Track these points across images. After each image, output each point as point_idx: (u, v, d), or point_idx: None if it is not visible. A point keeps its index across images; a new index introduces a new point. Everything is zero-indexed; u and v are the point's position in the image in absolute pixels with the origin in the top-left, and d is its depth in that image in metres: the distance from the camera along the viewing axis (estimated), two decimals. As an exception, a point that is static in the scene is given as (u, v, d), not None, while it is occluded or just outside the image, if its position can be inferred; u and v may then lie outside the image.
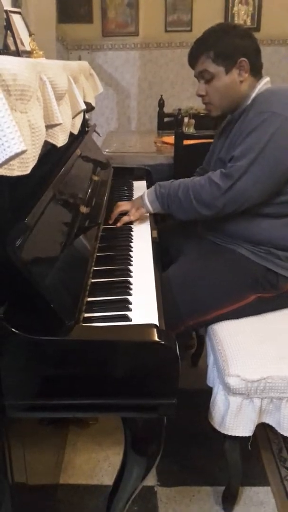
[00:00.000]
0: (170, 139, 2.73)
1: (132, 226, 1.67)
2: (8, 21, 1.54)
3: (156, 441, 1.10)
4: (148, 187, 2.13)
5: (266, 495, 1.56)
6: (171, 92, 4.78)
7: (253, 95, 1.55)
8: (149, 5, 4.53)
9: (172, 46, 4.61)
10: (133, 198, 1.95)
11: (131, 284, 1.25)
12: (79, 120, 1.57)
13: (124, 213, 1.68)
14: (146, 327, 1.00)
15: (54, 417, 1.37)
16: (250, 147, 1.43)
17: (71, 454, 1.70)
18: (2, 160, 0.73)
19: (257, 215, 1.52)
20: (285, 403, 1.33)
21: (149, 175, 2.26)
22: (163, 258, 1.56)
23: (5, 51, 1.51)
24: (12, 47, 1.53)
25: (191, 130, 3.00)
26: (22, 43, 1.60)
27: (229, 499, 1.51)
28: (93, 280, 1.25)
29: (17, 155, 0.73)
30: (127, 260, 1.40)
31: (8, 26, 1.53)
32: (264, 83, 1.56)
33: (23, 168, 0.85)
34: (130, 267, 1.36)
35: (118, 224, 1.65)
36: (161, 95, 3.80)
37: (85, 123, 2.05)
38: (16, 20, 1.63)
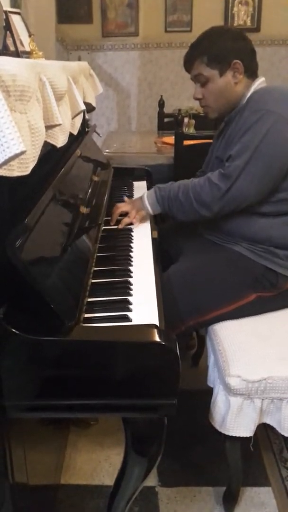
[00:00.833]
0: (170, 139, 2.73)
1: (132, 226, 1.66)
2: (7, 22, 1.54)
3: (157, 441, 1.10)
4: (148, 187, 2.13)
5: (267, 496, 1.56)
6: (171, 92, 4.78)
7: (249, 94, 1.56)
8: (149, 6, 4.53)
9: (172, 46, 4.61)
10: (133, 199, 1.96)
11: (131, 285, 1.25)
12: (79, 120, 1.57)
13: (125, 214, 1.68)
14: (146, 328, 1.00)
15: (55, 418, 1.37)
16: (246, 145, 1.44)
17: (72, 455, 1.70)
18: (2, 160, 0.73)
19: (257, 214, 1.52)
20: (285, 403, 1.33)
21: (149, 175, 2.26)
22: (163, 258, 1.56)
23: (5, 51, 1.51)
24: (12, 48, 1.53)
25: (191, 130, 3.00)
26: (22, 44, 1.61)
27: (230, 499, 1.51)
28: (93, 281, 1.25)
29: (16, 155, 0.73)
30: (127, 260, 1.40)
31: (8, 27, 1.53)
32: (259, 83, 1.57)
33: (23, 168, 0.85)
34: (130, 267, 1.36)
35: (120, 226, 1.65)
36: (161, 96, 3.80)
37: (85, 123, 2.06)
38: (16, 20, 1.63)
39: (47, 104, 1.04)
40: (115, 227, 1.65)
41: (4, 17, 1.54)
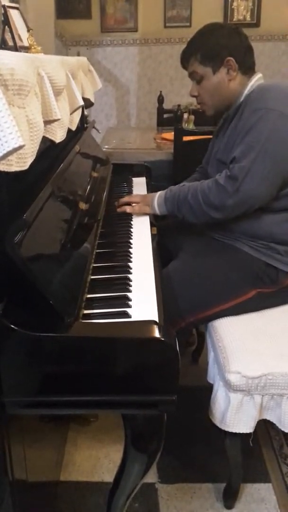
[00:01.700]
0: (170, 135, 2.72)
1: (131, 222, 1.66)
2: (6, 17, 1.53)
3: (157, 438, 1.09)
4: (147, 183, 2.13)
5: (267, 492, 1.56)
6: (171, 88, 4.77)
7: (246, 92, 1.55)
8: (148, 1, 4.51)
9: (172, 42, 4.60)
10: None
11: (131, 281, 1.24)
12: (77, 116, 1.56)
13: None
14: (145, 324, 1.00)
15: (54, 414, 1.37)
16: (250, 146, 1.43)
17: (72, 451, 1.70)
18: (0, 155, 0.72)
19: (258, 209, 1.51)
20: (286, 399, 1.32)
21: (149, 171, 2.26)
22: (162, 254, 1.56)
23: (3, 46, 1.50)
24: (10, 43, 1.52)
25: (191, 126, 2.99)
26: (20, 39, 1.60)
27: (230, 495, 1.51)
28: (92, 277, 1.24)
29: (15, 150, 0.73)
30: (126, 256, 1.40)
31: (6, 22, 1.53)
32: (255, 80, 1.57)
33: (21, 163, 0.84)
34: (129, 263, 1.35)
35: (119, 210, 1.70)
36: (161, 91, 3.79)
37: (84, 119, 2.05)
38: (14, 15, 1.62)
39: (45, 99, 1.04)
40: (115, 223, 1.65)
41: (3, 11, 1.54)
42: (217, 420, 1.36)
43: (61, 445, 1.66)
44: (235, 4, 4.50)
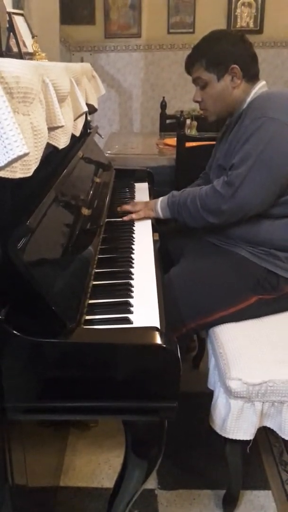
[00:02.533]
0: (172, 141, 2.73)
1: (133, 228, 1.66)
2: (10, 23, 1.54)
3: (157, 444, 1.09)
4: (150, 189, 2.13)
5: (267, 499, 1.55)
6: (174, 94, 4.78)
7: (249, 99, 1.57)
8: (151, 7, 4.53)
9: (175, 48, 4.62)
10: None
11: (133, 287, 1.25)
12: (81, 122, 1.57)
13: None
14: (147, 330, 1.00)
15: (55, 420, 1.37)
16: (248, 153, 1.44)
17: (72, 457, 1.70)
18: (5, 162, 0.73)
19: (258, 216, 1.52)
20: (286, 407, 1.32)
21: (151, 177, 2.26)
22: (164, 260, 1.56)
23: (8, 53, 1.51)
24: (15, 49, 1.53)
25: (193, 132, 3.00)
26: (25, 45, 1.61)
27: (230, 502, 1.51)
28: (94, 282, 1.25)
29: (19, 157, 0.73)
30: (128, 262, 1.40)
31: (11, 28, 1.54)
32: (259, 87, 1.58)
33: (25, 170, 0.85)
34: (131, 269, 1.36)
35: (124, 218, 1.71)
36: (163, 97, 3.80)
37: (87, 125, 2.05)
38: (19, 22, 1.63)
39: (50, 105, 1.04)
40: (117, 229, 1.65)
41: (8, 18, 1.55)
42: (217, 427, 1.36)
43: (61, 451, 1.66)
44: (238, 10, 4.52)
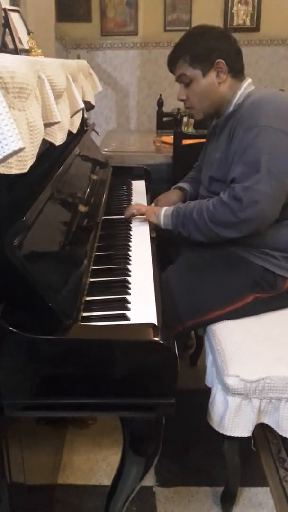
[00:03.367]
0: (169, 138, 2.72)
1: (131, 225, 1.66)
2: (6, 20, 1.53)
3: (155, 441, 1.09)
4: (147, 186, 2.13)
5: (265, 496, 1.55)
6: (170, 91, 4.76)
7: (235, 100, 1.53)
8: (148, 5, 4.52)
9: (172, 45, 4.48)
10: (131, 198, 1.96)
11: (130, 284, 1.25)
12: (78, 119, 1.56)
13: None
14: (144, 327, 1.00)
15: (53, 417, 1.36)
16: (251, 166, 1.38)
17: (70, 454, 1.70)
18: (0, 158, 0.72)
19: None
20: (284, 403, 1.32)
21: (148, 174, 2.26)
22: (161, 257, 1.56)
23: (4, 49, 1.50)
24: (11, 45, 1.53)
25: (190, 129, 2.99)
26: (21, 42, 1.60)
27: (228, 499, 1.51)
28: (91, 279, 1.24)
29: (15, 152, 0.73)
30: (125, 259, 1.40)
31: (7, 25, 1.53)
32: (245, 87, 1.54)
33: (21, 166, 0.84)
34: (128, 266, 1.36)
35: (126, 212, 1.70)
36: (160, 95, 3.79)
37: (84, 122, 2.05)
38: (15, 18, 1.62)
39: (45, 101, 1.04)
40: (114, 226, 1.65)
41: (3, 14, 1.54)
42: (215, 424, 1.36)
43: (59, 448, 1.66)
44: (235, 8, 4.51)
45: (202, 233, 1.50)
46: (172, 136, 2.49)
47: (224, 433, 1.34)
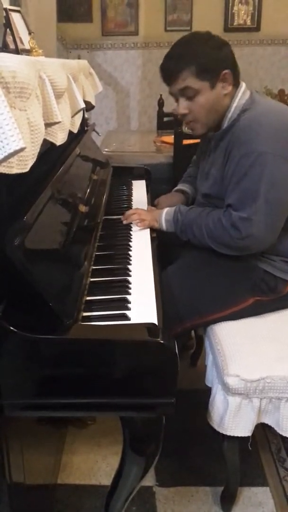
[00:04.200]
0: (170, 138, 2.73)
1: (131, 225, 1.66)
2: (7, 20, 1.53)
3: (155, 440, 1.10)
4: (147, 186, 2.13)
5: (265, 496, 1.55)
6: (171, 91, 4.77)
7: (230, 114, 1.46)
8: (149, 5, 4.52)
9: (172, 45, 4.60)
10: (132, 198, 1.96)
11: (130, 283, 1.25)
12: (78, 119, 1.56)
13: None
14: (145, 326, 1.00)
15: (52, 417, 1.37)
16: (248, 194, 1.36)
17: (69, 454, 1.70)
18: (1, 157, 0.73)
19: None
20: (284, 403, 1.32)
21: (149, 174, 2.26)
22: (162, 258, 1.56)
23: (5, 49, 1.50)
24: (12, 46, 1.52)
25: (191, 129, 2.99)
26: (22, 42, 1.60)
27: (228, 499, 1.51)
28: (92, 279, 1.25)
29: (16, 152, 0.73)
30: (126, 259, 1.40)
31: (8, 25, 1.53)
32: (240, 97, 1.46)
33: (22, 166, 0.84)
34: (129, 266, 1.36)
35: (125, 218, 1.67)
36: (161, 95, 3.79)
37: (84, 122, 2.05)
38: (16, 18, 1.62)
39: (46, 101, 1.04)
40: (115, 226, 1.65)
41: (4, 14, 1.54)
42: (215, 424, 1.36)
43: (59, 448, 1.66)
44: (235, 8, 4.51)
45: (200, 243, 1.52)
46: (173, 136, 2.49)
47: (224, 433, 1.34)
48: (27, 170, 0.86)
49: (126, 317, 1.08)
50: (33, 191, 1.13)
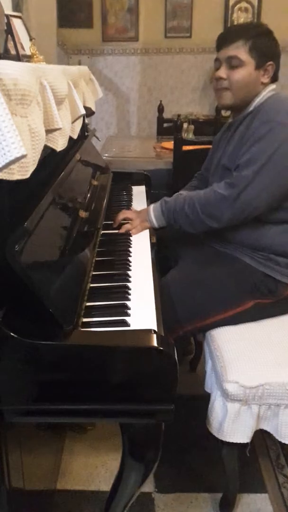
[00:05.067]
0: (169, 144, 2.73)
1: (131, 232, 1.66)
2: (8, 25, 1.54)
3: (154, 447, 1.09)
4: (147, 192, 2.13)
5: (264, 502, 1.55)
6: (171, 97, 4.79)
7: (257, 100, 1.54)
8: (149, 11, 4.55)
9: (172, 52, 4.63)
10: (131, 204, 1.96)
11: (130, 289, 1.25)
12: (78, 124, 1.57)
13: (128, 220, 1.69)
14: (144, 333, 1.00)
15: (52, 422, 1.36)
16: (256, 156, 1.43)
17: (68, 460, 1.69)
18: (2, 164, 0.73)
19: (258, 221, 1.51)
20: (283, 409, 1.32)
21: (148, 180, 2.26)
22: (162, 263, 1.56)
23: (6, 55, 1.51)
24: (13, 51, 1.54)
25: (190, 135, 3.01)
26: (23, 48, 1.61)
27: (227, 506, 1.50)
28: (91, 285, 1.25)
29: (17, 159, 0.73)
30: (126, 265, 1.40)
31: (9, 30, 1.54)
32: (268, 90, 1.55)
33: (23, 172, 0.85)
34: (129, 272, 1.36)
35: (121, 231, 1.65)
36: (161, 101, 3.81)
37: (84, 127, 2.06)
38: (17, 24, 1.63)
39: (47, 108, 1.05)
40: (115, 231, 1.65)
41: (6, 20, 1.55)
42: (214, 430, 1.36)
43: (58, 453, 1.66)
44: (235, 15, 4.54)
45: (193, 225, 1.55)
46: (172, 142, 2.50)
47: (223, 439, 1.34)
48: (28, 176, 0.87)
49: (125, 323, 1.08)
50: (34, 197, 1.13)
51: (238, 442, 1.34)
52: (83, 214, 1.43)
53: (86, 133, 2.09)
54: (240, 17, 4.52)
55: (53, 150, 1.16)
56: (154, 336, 0.98)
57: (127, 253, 1.49)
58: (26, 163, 0.86)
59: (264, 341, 1.44)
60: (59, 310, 0.95)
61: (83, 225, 1.39)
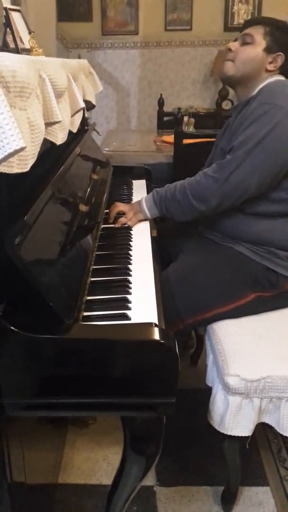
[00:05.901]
0: (170, 138, 2.72)
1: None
2: (7, 19, 1.53)
3: (155, 440, 1.09)
4: (147, 186, 2.13)
5: (265, 495, 1.55)
6: (171, 91, 4.77)
7: (260, 86, 1.55)
8: (149, 4, 4.53)
9: (172, 45, 4.61)
10: (132, 198, 1.96)
11: (131, 283, 1.25)
12: (78, 118, 1.56)
13: (122, 214, 1.68)
14: (145, 326, 1.00)
15: (53, 416, 1.37)
16: (249, 137, 1.43)
17: (70, 454, 1.70)
18: (1, 157, 0.72)
19: (258, 214, 1.51)
20: (284, 402, 1.32)
21: (149, 174, 2.26)
22: (162, 257, 1.56)
23: (5, 48, 1.50)
24: (12, 45, 1.53)
25: (191, 129, 3.00)
26: (22, 41, 1.60)
27: (228, 499, 1.51)
28: (92, 279, 1.24)
29: (16, 152, 0.73)
30: (126, 258, 1.40)
31: (8, 24, 1.53)
32: (278, 78, 1.57)
33: (22, 165, 0.84)
34: (129, 265, 1.35)
35: (117, 225, 1.65)
36: (161, 94, 3.80)
37: (84, 121, 2.05)
38: (16, 18, 1.62)
39: (46, 101, 1.04)
40: (114, 225, 1.65)
41: (4, 14, 1.54)
42: (215, 423, 1.36)
43: (59, 447, 1.66)
44: (235, 7, 4.51)
45: (184, 212, 1.56)
46: (173, 136, 2.49)
47: (225, 433, 1.34)
48: (27, 169, 0.86)
49: (126, 317, 1.08)
50: (33, 190, 1.13)
51: (240, 435, 1.34)
52: (83, 208, 1.43)
53: (86, 127, 2.09)
54: (241, 9, 4.50)
55: (53, 144, 1.16)
56: (155, 329, 0.98)
57: (127, 246, 1.48)
58: (26, 156, 0.85)
59: (265, 334, 1.44)
60: (59, 304, 0.95)
61: (83, 219, 1.38)
